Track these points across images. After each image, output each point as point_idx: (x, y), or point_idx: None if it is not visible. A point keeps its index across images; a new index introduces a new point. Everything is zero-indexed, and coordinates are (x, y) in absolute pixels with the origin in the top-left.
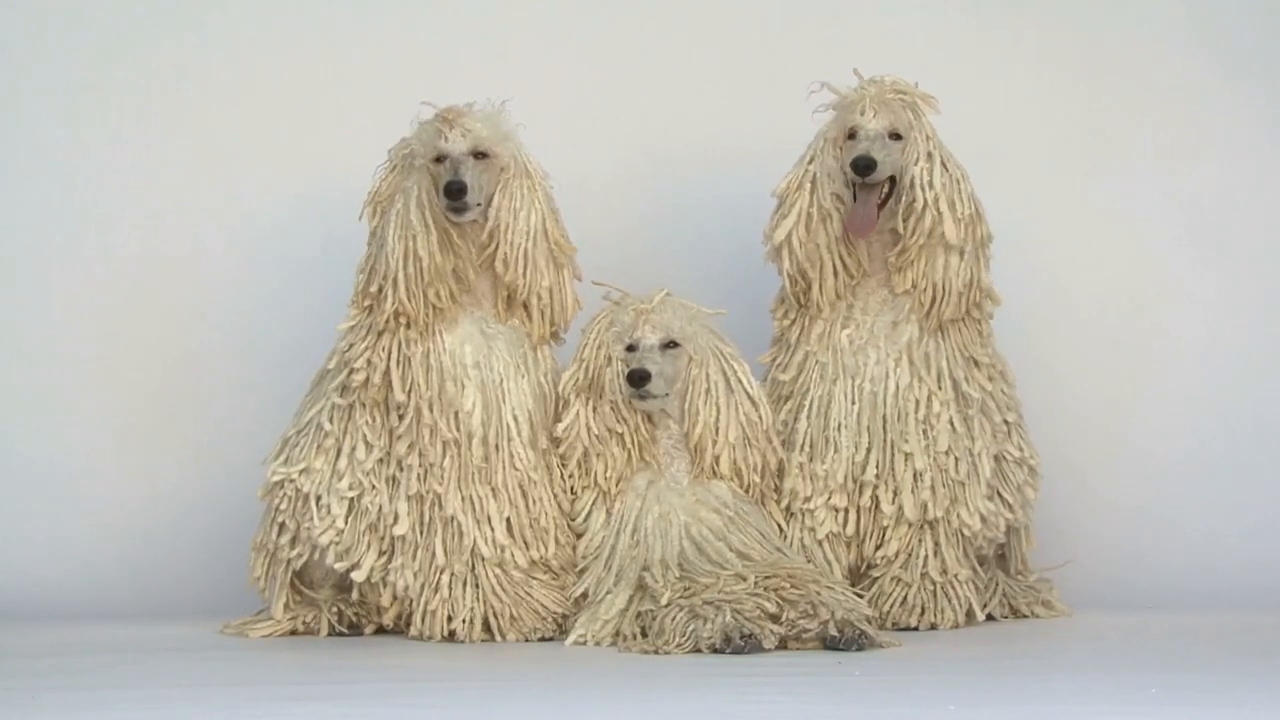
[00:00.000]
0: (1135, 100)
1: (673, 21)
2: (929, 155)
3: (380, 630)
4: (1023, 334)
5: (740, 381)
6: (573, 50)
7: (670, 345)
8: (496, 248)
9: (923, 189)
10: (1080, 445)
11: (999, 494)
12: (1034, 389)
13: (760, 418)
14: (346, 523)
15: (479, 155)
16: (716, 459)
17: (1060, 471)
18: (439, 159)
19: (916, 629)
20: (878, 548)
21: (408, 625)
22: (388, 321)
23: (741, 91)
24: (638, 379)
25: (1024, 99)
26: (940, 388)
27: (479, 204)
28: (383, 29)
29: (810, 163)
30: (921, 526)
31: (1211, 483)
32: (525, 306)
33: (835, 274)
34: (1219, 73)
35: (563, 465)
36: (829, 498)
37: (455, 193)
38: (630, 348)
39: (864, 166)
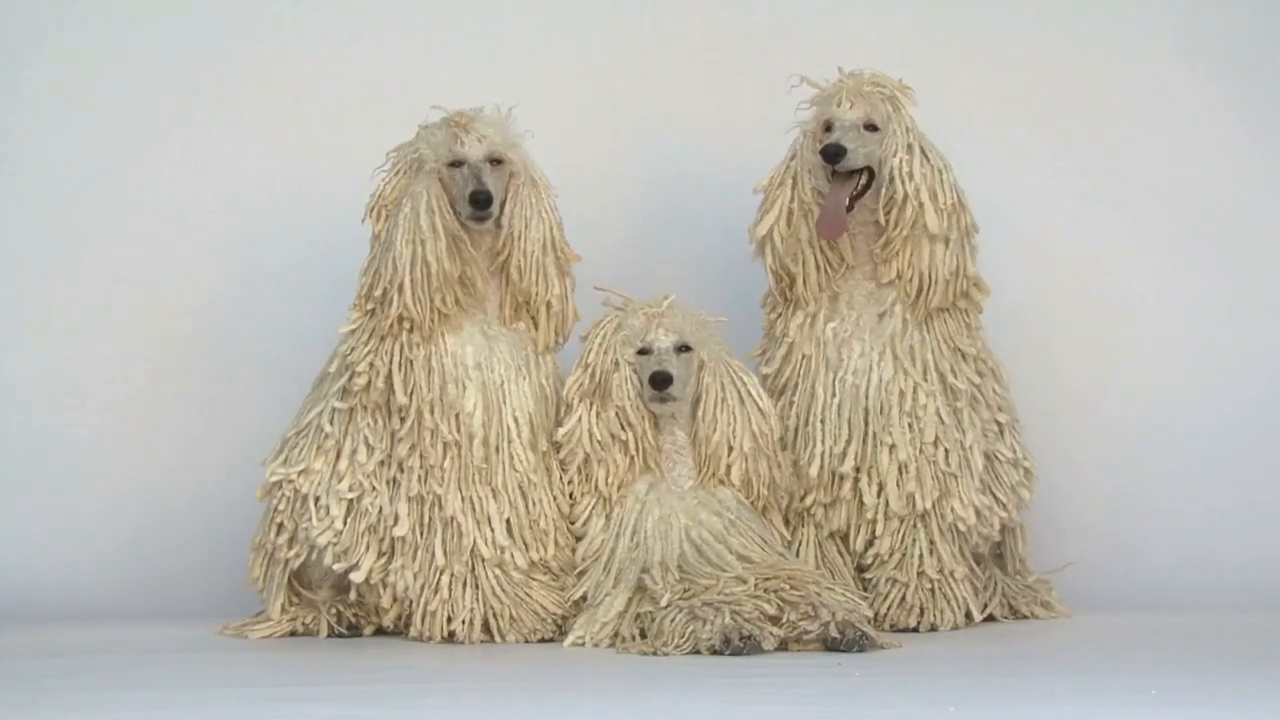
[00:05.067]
0: (1125, 98)
1: (669, 16)
2: (909, 147)
3: (379, 631)
4: (1021, 332)
5: (750, 392)
6: (565, 49)
7: (683, 349)
8: (510, 256)
9: (903, 180)
10: (1080, 444)
11: (992, 492)
12: (1033, 388)
13: (770, 429)
14: (345, 524)
15: (494, 161)
16: (729, 469)
17: (1060, 471)
18: (455, 164)
19: (916, 630)
20: (869, 544)
21: (407, 626)
22: (391, 326)
23: (741, 91)
24: (661, 381)
25: (1014, 94)
26: (926, 380)
27: (496, 212)
28: (380, 31)
29: (793, 159)
30: (914, 523)
31: (1214, 482)
32: (533, 315)
33: (817, 268)
34: (1206, 69)
35: (563, 470)
36: (815, 493)
37: (483, 202)
38: (643, 351)
39: (833, 154)
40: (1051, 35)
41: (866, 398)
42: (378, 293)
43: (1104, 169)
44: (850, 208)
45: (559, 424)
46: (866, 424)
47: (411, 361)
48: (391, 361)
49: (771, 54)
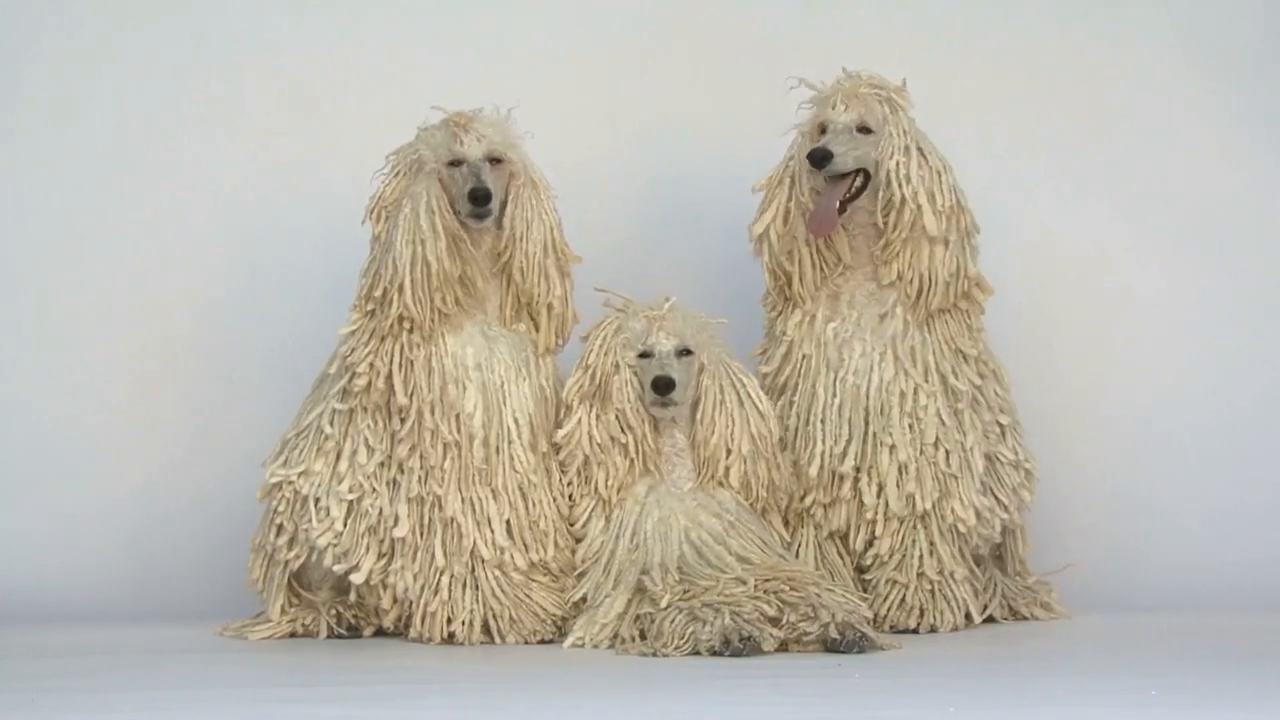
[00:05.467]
0: (1125, 98)
1: (669, 17)
2: (905, 149)
3: (379, 632)
4: (1021, 333)
5: (750, 395)
6: (565, 50)
7: (684, 352)
8: (512, 257)
9: (900, 183)
10: (1081, 445)
11: (993, 494)
12: (1033, 389)
13: (769, 431)
14: (345, 525)
15: (494, 160)
16: (728, 471)
17: (1060, 472)
18: (454, 163)
19: (916, 631)
20: (868, 545)
21: (407, 627)
22: (391, 326)
23: (740, 91)
24: (664, 386)
25: (1015, 94)
26: (927, 381)
27: (495, 210)
28: (380, 31)
29: (791, 159)
30: (914, 524)
31: (1214, 482)
32: (534, 317)
33: (814, 266)
34: (1206, 70)
35: (562, 472)
36: (815, 493)
37: (481, 198)
38: (644, 355)
39: (818, 159)
40: (1051, 35)
41: (867, 398)
42: (378, 293)
43: (1104, 169)
44: (843, 209)
45: (558, 426)
46: (867, 424)
47: (412, 362)
48: (392, 362)
49: (772, 54)
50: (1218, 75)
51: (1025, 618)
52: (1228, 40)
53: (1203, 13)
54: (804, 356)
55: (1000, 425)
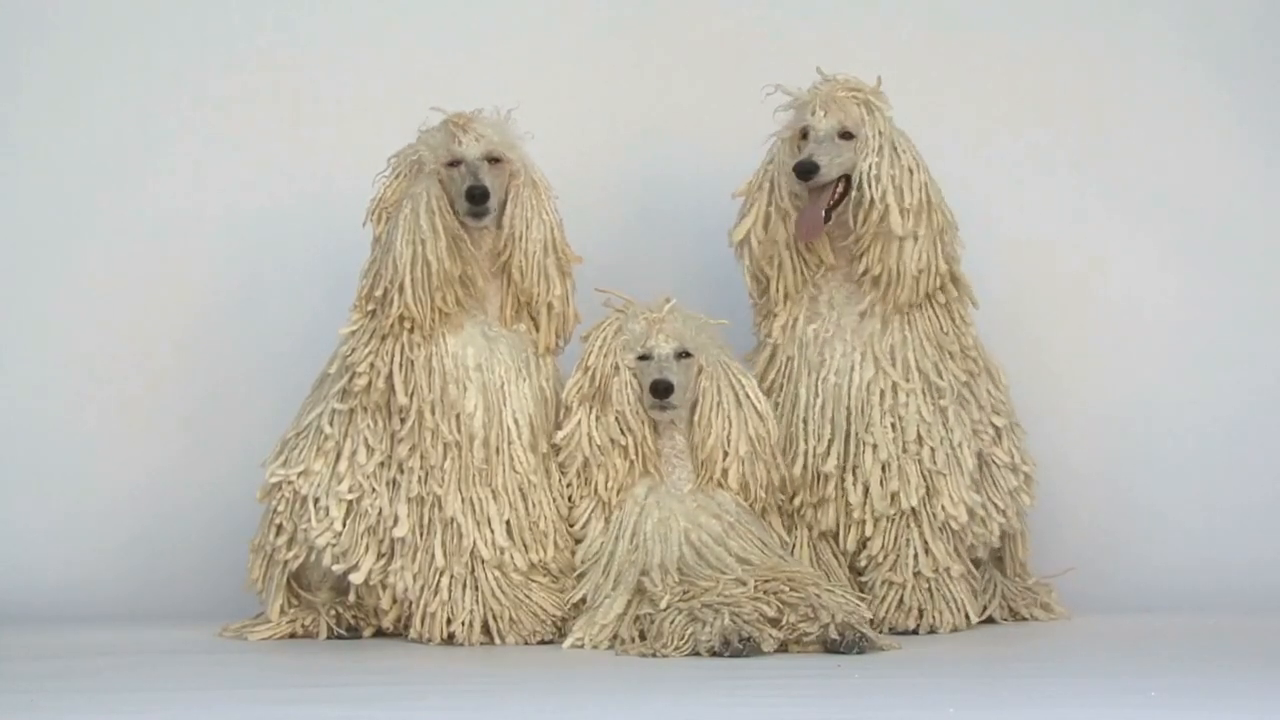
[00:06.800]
0: (1125, 98)
1: (669, 19)
2: (879, 150)
3: (379, 633)
4: (1020, 333)
5: (749, 396)
6: (564, 52)
7: (683, 355)
8: (511, 256)
9: (869, 184)
10: (1079, 446)
11: (988, 495)
12: (1031, 389)
13: (768, 432)
14: (344, 525)
15: (492, 160)
16: (725, 472)
17: (1059, 473)
18: (453, 163)
19: (915, 632)
20: (861, 546)
21: (407, 628)
22: (392, 326)
23: (738, 93)
24: (662, 390)
25: (1014, 95)
26: (907, 379)
27: (494, 209)
28: (381, 33)
29: (770, 164)
30: (906, 523)
31: (1214, 482)
32: (534, 317)
33: (794, 270)
34: (1206, 70)
35: (561, 473)
36: (802, 494)
37: (478, 197)
38: (643, 357)
39: (805, 171)
40: (1051, 35)
41: (848, 397)
42: (378, 293)
43: (1103, 169)
44: (829, 216)
45: (558, 427)
46: (849, 424)
47: (412, 362)
48: (392, 362)
49: (772, 55)
50: (1218, 76)
51: (1025, 618)
52: (1228, 41)
53: (1203, 14)
54: (788, 359)
55: (995, 427)
